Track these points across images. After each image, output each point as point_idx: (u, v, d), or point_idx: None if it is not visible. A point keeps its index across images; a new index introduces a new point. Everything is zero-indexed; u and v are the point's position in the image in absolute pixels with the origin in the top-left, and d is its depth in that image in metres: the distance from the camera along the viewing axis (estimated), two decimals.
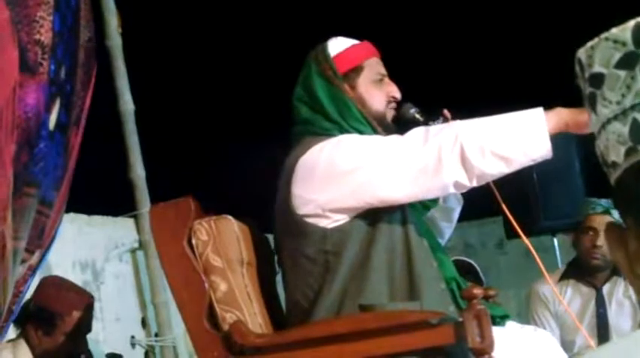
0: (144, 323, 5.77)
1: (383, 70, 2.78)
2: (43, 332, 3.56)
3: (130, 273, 5.77)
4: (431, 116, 2.78)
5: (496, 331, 2.36)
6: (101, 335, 5.20)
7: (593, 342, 3.89)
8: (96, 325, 3.84)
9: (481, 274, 4.62)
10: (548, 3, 6.42)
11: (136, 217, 5.75)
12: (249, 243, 2.74)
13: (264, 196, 2.83)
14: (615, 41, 0.86)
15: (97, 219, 5.60)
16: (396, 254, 2.57)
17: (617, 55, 0.86)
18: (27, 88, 2.65)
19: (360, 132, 2.66)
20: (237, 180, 6.68)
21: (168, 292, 3.19)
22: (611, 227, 0.90)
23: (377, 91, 2.73)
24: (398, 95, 2.76)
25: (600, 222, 4.02)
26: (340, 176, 2.54)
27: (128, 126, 5.77)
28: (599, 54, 0.87)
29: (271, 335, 2.62)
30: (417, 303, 2.51)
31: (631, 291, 4.00)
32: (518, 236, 2.86)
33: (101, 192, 5.73)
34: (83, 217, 5.43)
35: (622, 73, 0.85)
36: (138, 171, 5.74)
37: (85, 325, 3.63)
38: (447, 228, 2.97)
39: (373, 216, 2.57)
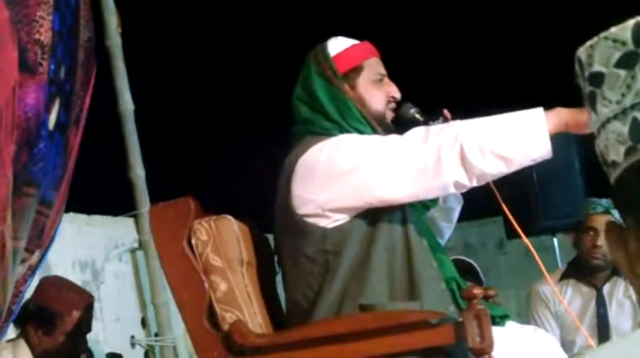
0: (144, 323, 5.77)
1: (383, 70, 2.78)
2: (43, 332, 3.56)
3: (130, 273, 5.77)
4: (431, 116, 2.78)
5: (496, 331, 2.35)
6: (101, 335, 5.20)
7: (593, 342, 3.89)
8: (96, 325, 3.84)
9: (481, 274, 4.62)
10: (548, 3, 6.41)
11: (135, 217, 5.75)
12: (249, 243, 2.74)
13: (263, 196, 2.83)
14: (615, 40, 0.86)
15: (97, 218, 5.60)
16: (396, 253, 2.57)
17: (617, 54, 0.86)
18: (27, 88, 2.65)
19: (360, 132, 2.66)
20: (236, 180, 6.68)
21: (168, 292, 3.19)
22: (611, 227, 0.90)
23: (377, 91, 2.73)
24: (398, 95, 2.76)
25: (601, 221, 4.02)
26: (340, 176, 2.54)
27: (128, 126, 5.77)
28: (598, 53, 0.87)
29: (271, 335, 2.62)
30: (417, 303, 2.51)
31: (631, 291, 4.00)
32: (518, 236, 2.86)
33: (101, 192, 5.73)
34: (83, 217, 5.43)
35: (622, 73, 0.85)
36: (137, 170, 5.74)
37: (85, 325, 3.63)
38: (446, 228, 2.97)
39: (373, 216, 2.57)
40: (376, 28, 4.10)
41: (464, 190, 2.59)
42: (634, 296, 3.98)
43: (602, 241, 4.01)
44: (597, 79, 0.87)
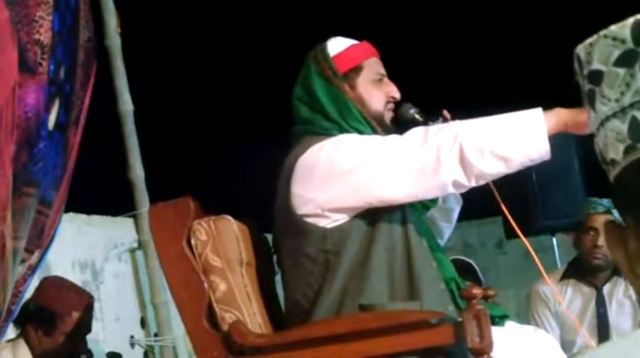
0: (143, 323, 5.77)
1: (382, 70, 2.78)
2: (43, 332, 3.56)
3: (130, 273, 5.77)
4: (430, 116, 2.78)
5: (495, 331, 2.36)
6: (101, 335, 5.20)
7: (593, 342, 3.89)
8: (95, 325, 3.84)
9: (480, 274, 4.62)
10: (548, 3, 6.41)
11: (135, 217, 5.75)
12: (248, 243, 2.74)
13: (263, 196, 2.83)
14: (614, 38, 0.85)
15: (97, 218, 5.60)
16: (396, 253, 2.57)
17: (617, 53, 0.85)
18: (26, 88, 2.65)
19: (360, 132, 2.66)
20: (236, 180, 6.68)
21: (167, 292, 3.19)
22: (610, 226, 0.90)
23: (376, 91, 2.73)
24: (397, 95, 2.76)
25: (601, 221, 4.01)
26: (340, 175, 2.54)
27: (127, 127, 5.77)
28: (598, 51, 0.87)
29: (271, 335, 2.62)
30: (416, 303, 2.51)
31: (631, 291, 4.01)
32: (517, 236, 2.86)
33: (100, 192, 5.72)
34: (82, 217, 5.43)
35: (621, 71, 0.85)
36: (137, 171, 5.74)
37: (85, 325, 3.63)
38: (446, 229, 2.97)
39: (373, 216, 2.57)
40: (376, 28, 4.10)
41: (463, 190, 2.59)
42: (634, 296, 3.99)
43: (602, 241, 4.01)
44: (596, 77, 0.87)
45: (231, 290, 2.61)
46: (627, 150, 0.85)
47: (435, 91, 4.86)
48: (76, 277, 4.98)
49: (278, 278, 2.80)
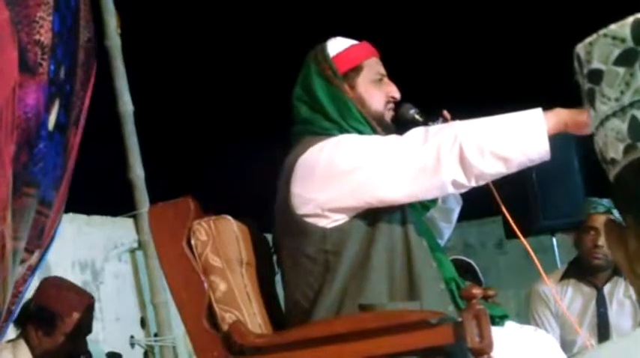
0: (143, 323, 5.77)
1: (382, 70, 2.78)
2: (43, 332, 3.56)
3: (130, 273, 5.77)
4: (430, 116, 2.78)
5: (495, 331, 2.36)
6: (101, 335, 5.20)
7: (593, 342, 3.90)
8: (95, 325, 3.84)
9: (479, 273, 4.62)
10: (548, 3, 6.41)
11: (135, 217, 5.76)
12: (248, 243, 2.74)
13: (263, 196, 2.83)
14: (614, 37, 0.85)
15: (97, 219, 5.60)
16: (396, 253, 2.57)
17: (616, 52, 0.85)
18: (27, 89, 2.65)
19: (360, 132, 2.66)
20: (236, 180, 6.68)
21: (167, 292, 3.19)
22: (610, 225, 0.90)
23: (376, 91, 2.73)
24: (397, 95, 2.76)
25: (602, 221, 4.01)
26: (340, 175, 2.54)
27: (127, 127, 5.77)
28: (597, 50, 0.87)
29: (271, 335, 2.62)
30: (416, 303, 2.51)
31: (631, 291, 4.01)
32: (517, 236, 2.86)
33: (100, 193, 5.72)
34: (82, 217, 5.43)
35: (621, 70, 0.85)
36: (137, 171, 5.74)
37: (85, 326, 3.63)
38: (446, 229, 2.97)
39: (373, 216, 2.57)
40: (376, 28, 4.11)
41: (463, 190, 2.59)
42: (634, 296, 3.99)
43: (603, 241, 4.01)
44: (596, 76, 0.87)
45: (231, 290, 2.61)
46: (627, 150, 0.85)
47: (435, 91, 4.86)
48: (76, 277, 4.98)
49: (278, 278, 2.80)
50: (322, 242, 2.57)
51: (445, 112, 2.77)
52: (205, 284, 2.60)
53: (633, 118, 0.85)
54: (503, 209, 2.78)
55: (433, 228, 2.86)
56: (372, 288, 2.53)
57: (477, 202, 2.79)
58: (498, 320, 2.60)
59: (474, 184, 2.51)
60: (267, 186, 2.73)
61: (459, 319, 2.36)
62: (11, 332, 3.52)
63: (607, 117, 0.87)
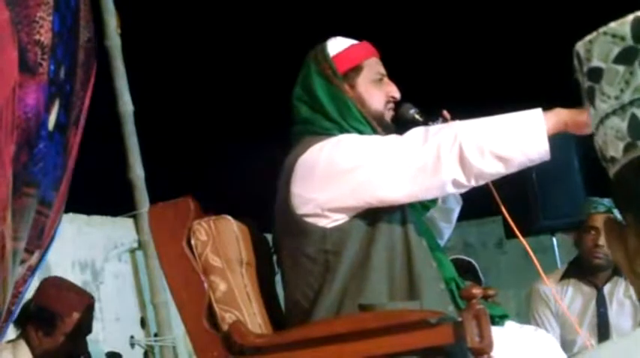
0: (143, 323, 5.76)
1: (382, 70, 2.78)
2: (44, 332, 3.56)
3: (130, 273, 5.77)
4: (430, 116, 2.78)
5: (495, 331, 2.36)
6: (100, 335, 5.20)
7: (593, 342, 3.90)
8: (95, 325, 3.84)
9: (480, 273, 4.62)
10: (547, 3, 6.41)
11: (135, 217, 5.76)
12: (248, 243, 2.74)
13: (263, 196, 2.83)
14: (614, 35, 0.85)
15: (97, 219, 5.60)
16: (396, 253, 2.57)
17: (616, 50, 0.85)
18: (27, 89, 2.65)
19: (360, 132, 2.66)
20: (236, 180, 6.68)
21: (167, 292, 3.19)
22: (610, 224, 0.90)
23: (376, 91, 2.73)
24: (397, 95, 2.76)
25: (602, 221, 4.01)
26: (340, 175, 2.54)
27: (127, 127, 5.77)
28: (597, 48, 0.87)
29: (271, 335, 2.62)
30: (416, 303, 2.51)
31: (631, 291, 4.00)
32: (517, 236, 2.86)
33: (100, 193, 5.72)
34: (82, 217, 5.43)
35: (621, 68, 0.85)
36: (137, 171, 5.74)
37: (85, 326, 3.63)
38: (446, 229, 2.97)
39: (373, 216, 2.57)
40: (376, 28, 4.10)
41: (463, 190, 2.59)
42: (634, 296, 3.98)
43: (603, 241, 4.01)
44: (596, 74, 0.87)
45: (231, 290, 2.61)
46: (627, 148, 0.85)
47: (435, 91, 4.86)
48: (76, 277, 4.97)
49: (278, 278, 2.80)
50: (322, 242, 2.57)
51: (445, 112, 2.77)
52: (205, 284, 2.60)
53: (633, 117, 0.84)
54: (503, 209, 2.78)
55: (433, 228, 2.86)
56: (372, 288, 2.53)
57: (477, 202, 2.79)
58: (498, 319, 2.60)
59: (473, 184, 2.51)
60: (267, 186, 2.73)
61: (459, 319, 2.36)
62: (11, 332, 3.52)
63: (607, 116, 0.87)
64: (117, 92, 5.76)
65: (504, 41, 6.44)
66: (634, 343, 0.82)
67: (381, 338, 2.41)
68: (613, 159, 0.87)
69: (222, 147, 6.68)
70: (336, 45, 2.76)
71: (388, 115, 2.75)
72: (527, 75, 6.25)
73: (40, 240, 2.93)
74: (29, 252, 2.89)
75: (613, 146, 0.86)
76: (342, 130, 2.65)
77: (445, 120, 2.73)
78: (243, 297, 2.63)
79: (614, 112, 0.86)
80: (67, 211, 3.36)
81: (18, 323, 3.57)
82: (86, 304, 3.64)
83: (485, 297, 2.58)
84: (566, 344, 3.91)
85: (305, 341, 2.50)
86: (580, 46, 0.89)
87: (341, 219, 2.56)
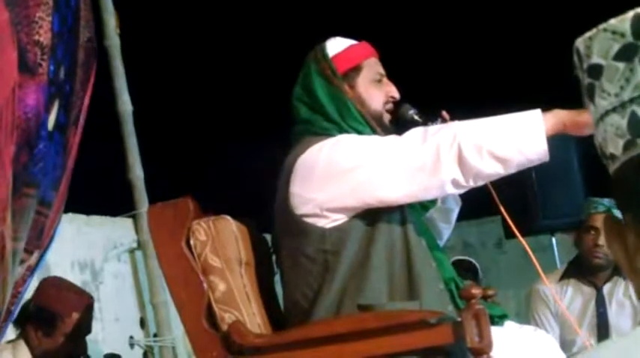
0: (142, 323, 5.76)
1: (382, 70, 2.78)
2: (43, 332, 3.56)
3: (129, 273, 5.77)
4: (429, 117, 2.78)
5: (494, 331, 2.36)
6: (100, 336, 5.20)
7: (593, 342, 3.90)
8: (95, 325, 3.84)
9: (480, 272, 4.63)
10: (547, 3, 6.41)
11: (134, 217, 5.76)
12: (247, 243, 2.74)
13: (262, 196, 2.83)
14: (614, 32, 0.85)
15: (96, 219, 5.60)
16: (396, 253, 2.57)
17: (616, 47, 0.85)
18: (26, 89, 2.65)
19: (359, 132, 2.66)
20: (235, 181, 6.67)
21: (167, 292, 3.19)
22: (610, 222, 0.89)
23: (376, 91, 2.73)
24: (397, 95, 2.76)
25: (602, 221, 4.01)
26: (339, 175, 2.54)
27: (127, 127, 5.77)
28: (597, 45, 0.86)
29: (270, 335, 2.62)
30: (415, 303, 2.51)
31: (631, 291, 4.00)
32: (516, 236, 2.86)
33: (100, 193, 5.72)
34: (82, 217, 5.43)
35: (621, 65, 0.85)
36: (136, 171, 5.74)
37: (84, 326, 3.63)
38: (445, 229, 2.97)
39: (372, 216, 2.57)
40: (376, 28, 4.11)
41: (462, 190, 2.59)
42: (634, 296, 3.99)
43: (603, 240, 4.01)
44: (596, 71, 0.87)
45: (231, 290, 2.61)
46: (627, 146, 0.85)
47: (435, 91, 4.86)
48: (75, 277, 4.97)
49: (277, 278, 2.80)
50: (321, 242, 2.57)
51: (444, 113, 2.77)
52: (204, 285, 2.60)
53: (633, 114, 0.84)
54: (502, 209, 2.78)
55: (432, 229, 2.86)
56: (371, 288, 2.53)
57: (477, 202, 2.79)
58: (498, 319, 2.60)
59: (472, 184, 2.51)
60: (267, 186, 2.73)
61: (459, 319, 2.36)
62: (11, 332, 3.52)
63: (607, 113, 0.87)
64: (116, 92, 5.76)
65: (504, 41, 6.44)
66: (634, 342, 0.82)
67: (380, 338, 2.41)
68: (613, 157, 0.87)
69: (222, 147, 6.68)
70: (336, 45, 2.76)
71: (387, 116, 2.75)
72: (527, 75, 6.25)
73: (40, 240, 2.93)
74: (28, 252, 2.89)
75: (613, 143, 0.86)
76: (342, 131, 2.65)
77: (444, 121, 2.73)
78: (243, 297, 2.63)
79: (614, 109, 0.86)
80: (66, 211, 3.36)
81: (17, 324, 3.57)
82: (85, 304, 3.64)
83: (485, 297, 2.58)
84: (566, 344, 3.91)
85: (304, 341, 2.50)
86: (580, 43, 0.89)
87: (340, 219, 2.57)
